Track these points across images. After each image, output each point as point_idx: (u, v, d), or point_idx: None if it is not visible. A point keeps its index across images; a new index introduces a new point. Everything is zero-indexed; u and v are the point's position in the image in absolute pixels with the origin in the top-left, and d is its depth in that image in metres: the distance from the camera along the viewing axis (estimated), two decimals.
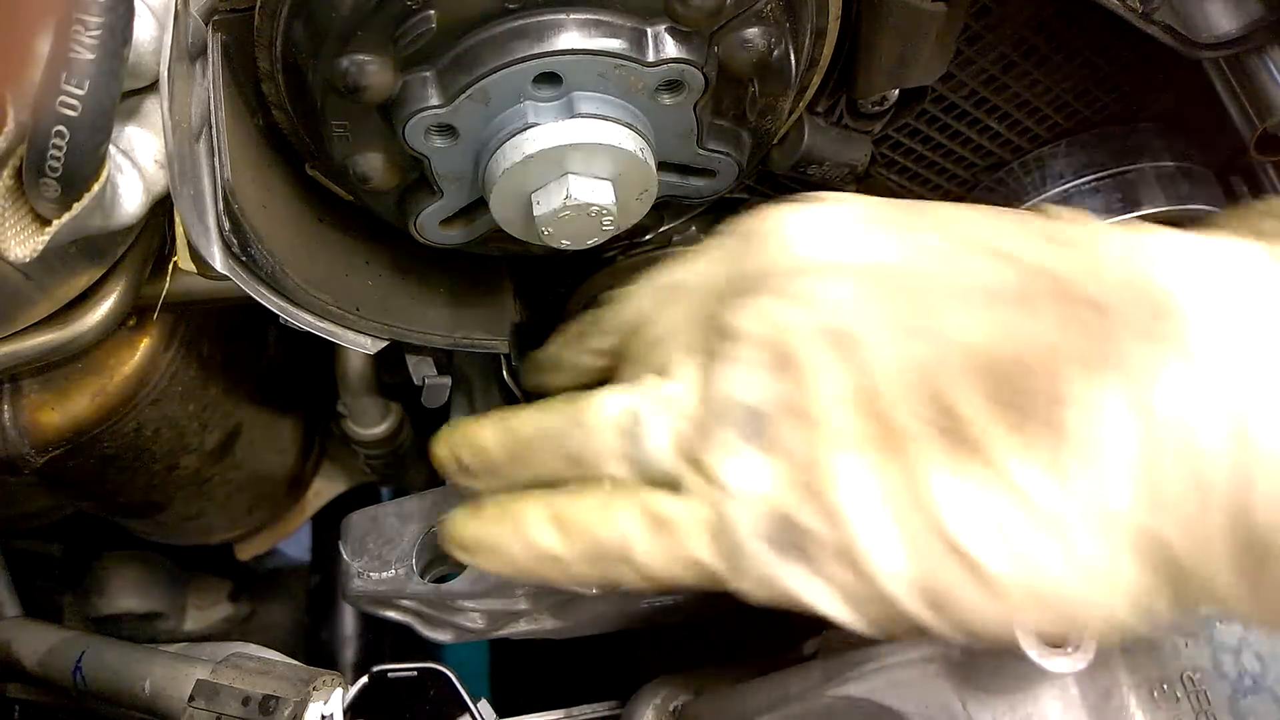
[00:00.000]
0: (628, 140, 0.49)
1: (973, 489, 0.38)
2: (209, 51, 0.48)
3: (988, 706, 0.51)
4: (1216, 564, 0.37)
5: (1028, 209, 0.69)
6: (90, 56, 0.40)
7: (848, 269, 0.42)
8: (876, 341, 0.40)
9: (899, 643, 0.54)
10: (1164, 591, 0.38)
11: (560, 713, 0.76)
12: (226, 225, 0.49)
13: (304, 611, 1.08)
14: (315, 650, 1.01)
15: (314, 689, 0.62)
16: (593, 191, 0.50)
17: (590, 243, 0.53)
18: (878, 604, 0.40)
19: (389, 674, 0.61)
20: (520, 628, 0.76)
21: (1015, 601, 0.39)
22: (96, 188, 0.43)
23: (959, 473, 0.39)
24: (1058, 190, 0.68)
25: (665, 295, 0.49)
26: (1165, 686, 0.49)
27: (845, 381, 0.41)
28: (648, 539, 0.44)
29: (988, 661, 0.50)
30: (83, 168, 0.42)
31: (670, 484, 0.44)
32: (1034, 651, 0.47)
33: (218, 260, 0.49)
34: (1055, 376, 0.37)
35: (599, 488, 0.46)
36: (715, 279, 0.47)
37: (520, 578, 0.50)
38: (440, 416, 0.79)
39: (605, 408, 0.46)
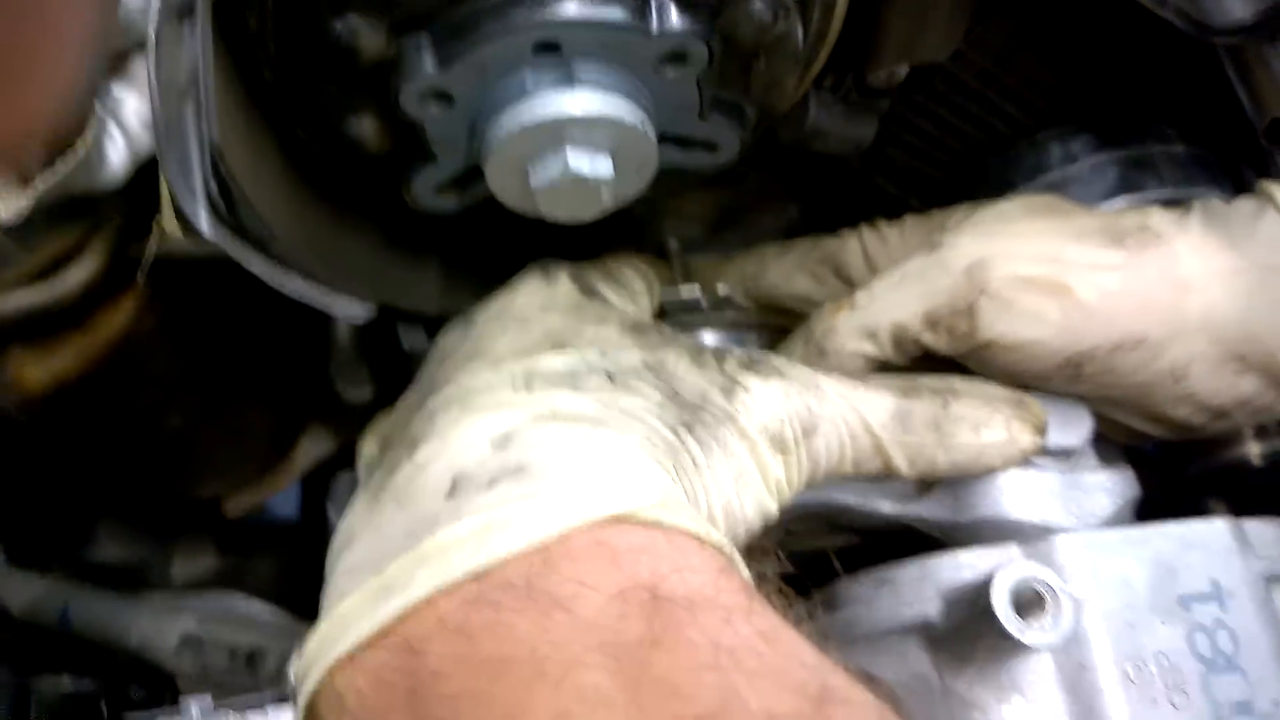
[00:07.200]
0: (628, 113, 0.48)
1: None
2: (197, 11, 0.47)
3: (963, 677, 0.52)
4: None
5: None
6: None
7: None
8: None
9: (882, 614, 0.55)
10: None
11: None
12: (214, 188, 0.47)
13: (292, 566, 1.08)
14: (303, 604, 1.01)
15: (300, 643, 0.62)
16: (591, 164, 0.49)
17: (587, 216, 0.53)
18: None
19: None
20: None
21: None
22: (81, 148, 0.43)
23: None
24: (1065, 171, 0.68)
25: None
26: (1139, 664, 0.50)
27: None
28: None
29: (966, 634, 0.51)
30: (67, 128, 0.41)
31: None
32: (1011, 626, 0.48)
33: (204, 223, 0.48)
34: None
35: None
36: None
37: None
38: None
39: None
